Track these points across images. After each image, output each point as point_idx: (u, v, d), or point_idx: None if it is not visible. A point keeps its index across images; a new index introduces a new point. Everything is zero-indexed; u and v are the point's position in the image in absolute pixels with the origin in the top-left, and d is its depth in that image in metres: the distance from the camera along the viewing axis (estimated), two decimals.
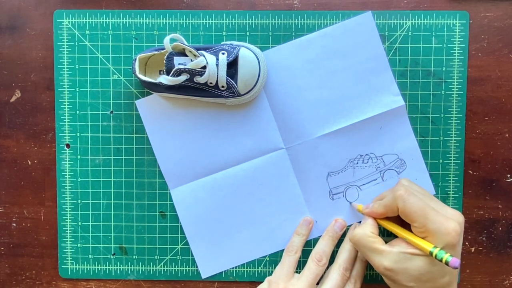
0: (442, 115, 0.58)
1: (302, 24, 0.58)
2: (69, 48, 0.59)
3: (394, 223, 0.53)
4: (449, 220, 0.47)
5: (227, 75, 0.54)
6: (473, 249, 0.59)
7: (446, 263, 0.45)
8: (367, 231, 0.52)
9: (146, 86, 0.56)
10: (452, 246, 0.47)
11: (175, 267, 0.60)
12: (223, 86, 0.54)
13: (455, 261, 0.45)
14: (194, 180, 0.59)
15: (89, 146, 0.59)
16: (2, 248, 0.61)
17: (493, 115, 0.58)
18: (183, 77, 0.53)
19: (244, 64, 0.54)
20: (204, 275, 0.60)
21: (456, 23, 0.57)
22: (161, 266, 0.60)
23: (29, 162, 0.60)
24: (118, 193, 0.60)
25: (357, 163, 0.59)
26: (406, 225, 0.51)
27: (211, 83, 0.54)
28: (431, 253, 0.46)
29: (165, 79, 0.53)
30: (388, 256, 0.49)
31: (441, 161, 0.58)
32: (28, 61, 0.59)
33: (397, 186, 0.52)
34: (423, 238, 0.48)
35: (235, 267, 0.60)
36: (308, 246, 0.59)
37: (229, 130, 0.58)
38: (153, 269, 0.60)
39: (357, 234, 0.52)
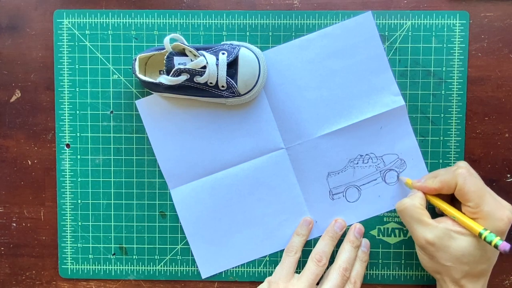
0: (442, 115, 0.58)
1: (302, 24, 0.58)
2: (69, 48, 0.59)
3: (443, 201, 0.52)
4: (504, 208, 0.49)
5: (227, 75, 0.54)
6: None
7: (495, 247, 0.45)
8: (416, 202, 0.51)
9: (146, 86, 0.56)
10: (501, 233, 0.48)
11: (175, 267, 0.60)
12: (223, 86, 0.54)
13: (505, 245, 0.44)
14: (194, 180, 0.59)
15: (89, 146, 0.59)
16: (2, 248, 0.61)
17: (493, 115, 0.58)
18: (183, 77, 0.53)
19: (244, 64, 0.54)
20: (204, 275, 0.60)
21: (456, 23, 0.57)
22: (161, 266, 0.60)
23: (29, 162, 0.60)
24: (118, 193, 0.60)
25: (357, 163, 0.59)
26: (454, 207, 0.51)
27: (211, 83, 0.54)
28: (480, 235, 0.46)
29: (165, 79, 0.53)
30: (433, 230, 0.49)
31: (441, 161, 0.58)
32: (28, 61, 0.59)
33: (457, 165, 0.52)
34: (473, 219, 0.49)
35: (235, 267, 0.60)
36: (308, 246, 0.59)
37: (229, 130, 0.58)
38: (153, 269, 0.60)
39: (406, 203, 0.52)
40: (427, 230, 0.50)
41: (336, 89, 0.58)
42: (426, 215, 0.51)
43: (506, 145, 0.58)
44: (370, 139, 0.58)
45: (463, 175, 0.49)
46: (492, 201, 0.49)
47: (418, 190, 0.54)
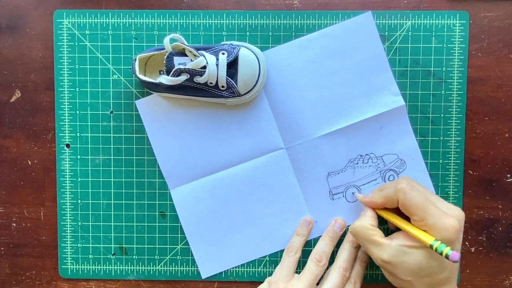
0: (442, 115, 0.58)
1: (302, 24, 0.58)
2: (69, 48, 0.59)
3: (394, 214, 0.52)
4: (448, 216, 0.47)
5: (227, 75, 0.54)
6: (473, 249, 0.59)
7: (446, 257, 0.45)
8: (365, 223, 0.52)
9: (146, 86, 0.56)
10: (451, 242, 0.47)
11: (175, 267, 0.60)
12: (223, 86, 0.54)
13: (455, 254, 0.44)
14: (194, 180, 0.59)
15: (89, 146, 0.59)
16: (2, 248, 0.61)
17: (493, 115, 0.58)
18: (183, 77, 0.53)
19: (244, 64, 0.54)
20: (204, 275, 0.60)
21: (456, 23, 0.57)
22: (161, 266, 0.60)
23: (29, 162, 0.60)
24: (118, 193, 0.60)
25: (357, 163, 0.59)
26: (407, 218, 0.51)
27: (211, 83, 0.54)
28: (431, 246, 0.46)
29: (165, 79, 0.53)
30: (386, 249, 0.49)
31: (441, 161, 0.58)
32: (28, 61, 0.59)
33: (397, 181, 0.51)
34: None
35: (235, 267, 0.60)
36: (308, 246, 0.59)
37: (229, 130, 0.58)
38: (153, 269, 0.60)
39: (356, 227, 0.52)
40: (381, 250, 0.50)
41: (336, 89, 0.58)
42: (378, 235, 0.51)
43: (506, 145, 0.58)
44: (370, 139, 0.58)
45: (403, 190, 0.49)
46: (436, 212, 0.48)
47: (367, 207, 0.54)
